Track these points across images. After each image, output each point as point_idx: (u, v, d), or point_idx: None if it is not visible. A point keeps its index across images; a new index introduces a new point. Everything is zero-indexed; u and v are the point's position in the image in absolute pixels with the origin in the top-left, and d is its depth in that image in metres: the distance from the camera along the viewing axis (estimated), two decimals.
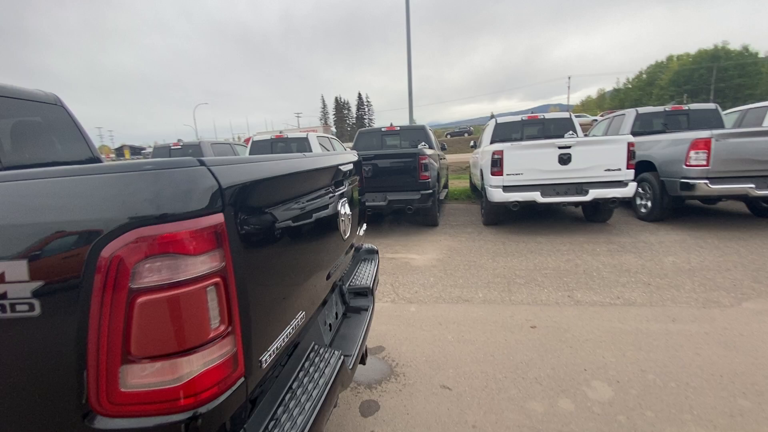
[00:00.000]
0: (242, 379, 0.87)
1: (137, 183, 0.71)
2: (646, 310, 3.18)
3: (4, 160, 2.17)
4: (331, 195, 1.53)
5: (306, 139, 8.12)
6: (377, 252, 2.64)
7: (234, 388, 0.83)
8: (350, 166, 1.81)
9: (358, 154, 2.40)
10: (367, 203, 6.11)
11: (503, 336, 2.89)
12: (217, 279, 0.78)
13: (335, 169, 1.57)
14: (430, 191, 6.11)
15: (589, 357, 2.53)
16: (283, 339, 1.08)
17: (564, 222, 6.60)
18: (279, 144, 8.34)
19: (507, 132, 7.35)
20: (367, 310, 2.01)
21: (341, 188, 1.70)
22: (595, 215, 6.35)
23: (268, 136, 8.52)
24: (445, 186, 9.50)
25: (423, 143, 7.71)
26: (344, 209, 1.70)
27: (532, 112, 8.22)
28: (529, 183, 5.58)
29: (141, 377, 0.71)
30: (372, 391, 2.33)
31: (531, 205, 5.65)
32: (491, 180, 5.74)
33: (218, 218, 0.78)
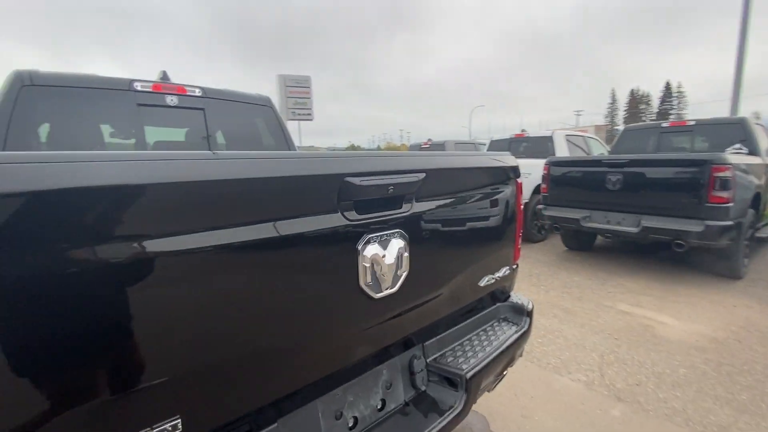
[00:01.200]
0: None
1: None
2: None
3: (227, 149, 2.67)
4: (327, 226, 0.89)
5: (549, 139, 6.87)
6: (529, 314, 1.66)
7: None
8: (413, 178, 1.06)
9: (507, 160, 1.54)
10: (608, 227, 4.47)
11: None
12: None
13: (339, 182, 0.90)
14: (730, 223, 3.81)
15: None
16: None
17: None
18: (519, 143, 7.46)
19: None
20: (449, 410, 1.22)
21: (382, 215, 1.00)
22: None
23: (507, 136, 7.78)
24: None
25: (738, 146, 4.97)
26: (384, 250, 1.01)
27: None
28: None
29: None
30: None
31: None
32: None
33: None
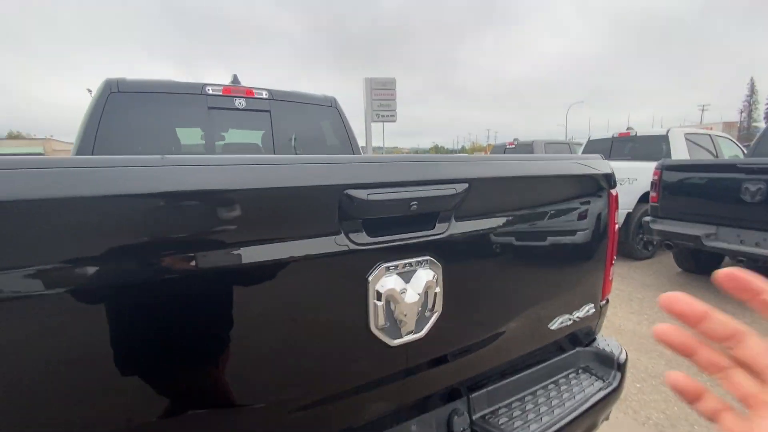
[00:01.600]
0: None
1: None
2: None
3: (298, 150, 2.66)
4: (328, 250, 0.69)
5: (663, 138, 5.79)
6: (620, 367, 1.27)
7: None
8: (449, 190, 0.80)
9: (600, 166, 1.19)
10: (742, 249, 3.54)
11: None
12: None
13: (337, 196, 0.69)
14: None
15: None
16: None
17: None
18: (623, 144, 6.45)
19: None
20: None
21: (404, 238, 0.77)
22: None
23: (609, 135, 6.77)
24: None
25: None
26: (406, 283, 0.77)
27: None
28: None
29: None
30: None
31: None
32: None
33: None
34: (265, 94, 2.56)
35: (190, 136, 2.52)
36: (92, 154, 2.07)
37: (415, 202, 0.74)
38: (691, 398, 0.30)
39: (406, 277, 0.78)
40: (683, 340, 0.29)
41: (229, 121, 2.57)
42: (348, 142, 2.88)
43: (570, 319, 1.17)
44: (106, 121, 2.13)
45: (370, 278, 0.73)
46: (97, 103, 2.13)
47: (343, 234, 0.70)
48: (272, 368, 0.68)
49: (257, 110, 2.54)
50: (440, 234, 0.81)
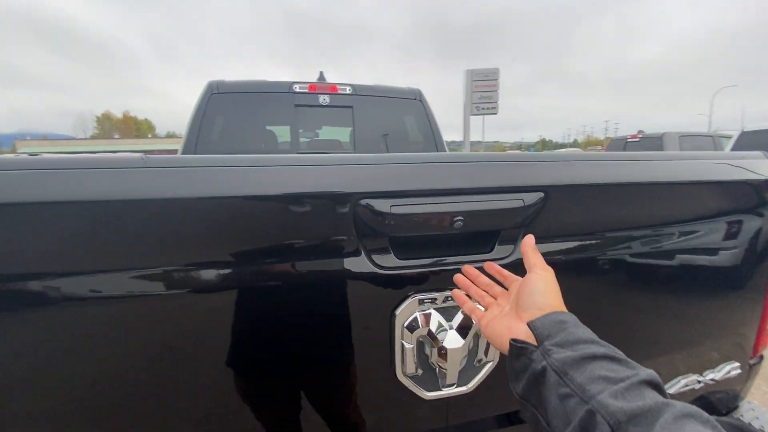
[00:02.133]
0: None
1: None
2: None
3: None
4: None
5: None
6: None
7: None
8: (514, 201, 0.58)
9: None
10: None
11: None
12: None
13: (350, 207, 0.53)
14: None
15: None
16: None
17: None
18: None
19: None
20: None
21: (446, 261, 0.59)
22: None
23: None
24: None
25: None
26: (448, 321, 0.60)
27: None
28: None
29: None
30: None
31: None
32: None
33: None
34: (348, 90, 2.53)
35: (280, 133, 2.62)
36: (194, 152, 2.27)
37: (460, 218, 0.55)
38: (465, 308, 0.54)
39: (448, 314, 0.60)
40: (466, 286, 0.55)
41: (315, 118, 2.61)
42: (432, 137, 2.71)
43: (700, 382, 0.84)
44: (207, 121, 2.31)
45: (397, 312, 0.57)
46: (200, 103, 2.33)
47: (363, 255, 0.55)
48: (268, 412, 0.57)
49: (340, 106, 2.53)
50: (501, 259, 0.61)
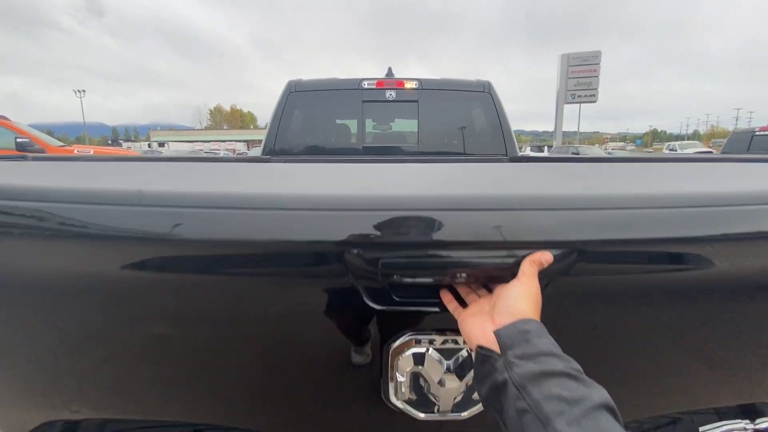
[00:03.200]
0: None
1: None
2: None
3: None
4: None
5: None
6: None
7: None
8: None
9: None
10: None
11: None
12: None
13: (336, 252, 0.49)
14: None
15: None
16: None
17: None
18: None
19: None
20: None
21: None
22: None
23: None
24: None
25: None
26: (448, 360, 0.54)
27: None
28: None
29: None
30: None
31: None
32: None
33: None
34: (414, 84, 2.48)
35: (351, 128, 2.67)
36: (274, 148, 2.43)
37: (464, 274, 0.49)
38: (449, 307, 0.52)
39: (449, 354, 0.54)
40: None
41: (381, 113, 2.61)
42: (500, 132, 2.53)
43: (749, 429, 0.66)
44: (286, 118, 2.46)
45: (390, 349, 0.53)
46: (280, 102, 2.48)
47: (360, 290, 0.52)
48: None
49: (405, 101, 2.49)
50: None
